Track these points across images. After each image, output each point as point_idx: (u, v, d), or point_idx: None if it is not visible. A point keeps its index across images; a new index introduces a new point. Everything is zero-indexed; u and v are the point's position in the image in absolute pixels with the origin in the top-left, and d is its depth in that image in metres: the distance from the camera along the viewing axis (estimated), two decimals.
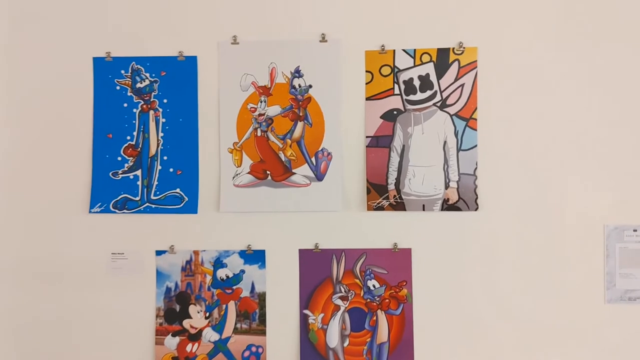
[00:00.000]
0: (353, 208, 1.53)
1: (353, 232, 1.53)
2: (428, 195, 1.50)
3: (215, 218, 1.55)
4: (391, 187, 1.51)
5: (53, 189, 1.56)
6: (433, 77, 1.50)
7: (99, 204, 1.54)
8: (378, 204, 1.51)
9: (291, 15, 1.52)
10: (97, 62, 1.55)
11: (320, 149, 1.53)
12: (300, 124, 1.53)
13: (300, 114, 1.53)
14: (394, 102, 1.51)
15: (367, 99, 1.52)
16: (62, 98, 1.56)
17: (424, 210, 1.50)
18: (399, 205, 1.50)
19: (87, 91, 1.55)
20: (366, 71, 1.52)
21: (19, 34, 1.56)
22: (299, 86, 1.53)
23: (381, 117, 1.51)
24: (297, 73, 1.53)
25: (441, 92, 1.50)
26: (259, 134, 1.54)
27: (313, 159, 1.53)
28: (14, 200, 1.57)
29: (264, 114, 1.53)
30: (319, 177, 1.53)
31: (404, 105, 1.51)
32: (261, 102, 1.53)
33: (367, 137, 1.52)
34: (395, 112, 1.51)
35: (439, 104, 1.50)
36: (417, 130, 1.51)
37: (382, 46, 1.50)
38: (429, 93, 1.50)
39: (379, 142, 1.51)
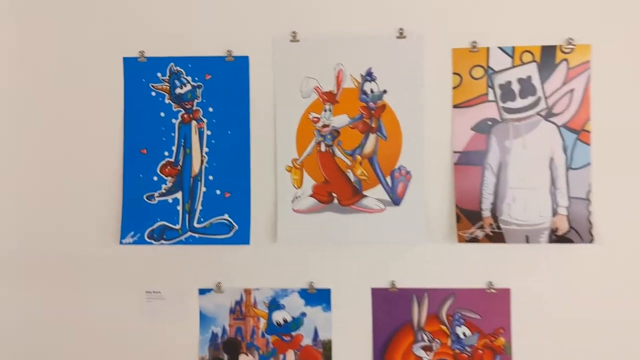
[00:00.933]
0: (438, 239, 1.26)
1: (438, 268, 1.27)
2: (532, 224, 1.23)
3: (270, 250, 1.29)
4: (486, 213, 1.24)
5: (75, 216, 1.31)
6: (536, 81, 1.24)
7: (131, 233, 1.29)
8: (471, 234, 1.24)
9: (362, 6, 1.26)
10: (129, 63, 1.30)
11: (397, 167, 1.26)
12: (372, 137, 1.27)
13: (373, 125, 1.27)
14: (488, 111, 1.25)
15: (455, 106, 1.26)
16: (85, 107, 1.31)
17: (527, 242, 1.23)
18: (497, 236, 1.24)
19: (116, 98, 1.30)
20: (454, 73, 1.25)
21: (29, 27, 1.31)
22: (372, 91, 1.27)
23: (472, 129, 1.25)
24: (369, 76, 1.27)
25: (546, 99, 1.24)
26: (323, 148, 1.28)
27: (388, 179, 1.27)
28: (29, 229, 1.32)
29: (328, 125, 1.27)
30: (396, 201, 1.26)
31: (501, 114, 1.24)
32: (325, 110, 1.27)
33: (455, 152, 1.25)
34: (489, 123, 1.25)
35: (543, 113, 1.24)
36: (517, 144, 1.24)
37: (474, 43, 1.24)
38: (531, 100, 1.24)
39: (469, 159, 1.25)
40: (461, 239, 1.24)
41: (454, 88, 1.26)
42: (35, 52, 1.31)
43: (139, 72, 1.30)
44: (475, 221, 1.25)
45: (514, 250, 1.24)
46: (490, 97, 1.25)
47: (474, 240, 1.24)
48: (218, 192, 1.29)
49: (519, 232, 1.23)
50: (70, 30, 1.30)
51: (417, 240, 1.26)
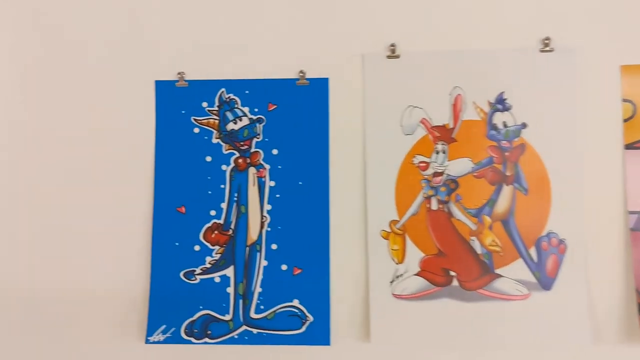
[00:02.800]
0: (611, 339, 0.86)
1: None
2: None
3: (361, 353, 0.89)
4: None
5: (85, 302, 0.93)
6: None
7: (162, 327, 0.90)
8: None
9: (485, 8, 0.91)
10: (163, 88, 0.95)
11: (544, 234, 0.88)
12: (507, 191, 0.89)
13: (508, 173, 0.89)
14: None
15: (628, 146, 0.88)
16: (102, 147, 0.95)
17: None
18: None
19: (144, 135, 0.94)
20: (624, 100, 0.88)
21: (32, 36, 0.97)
22: (505, 125, 0.89)
23: None
24: (501, 104, 0.89)
25: None
26: (434, 206, 0.90)
27: (532, 252, 0.88)
28: (27, 325, 0.94)
29: (442, 173, 0.90)
30: (545, 283, 0.87)
31: None
32: (438, 152, 0.90)
33: (630, 212, 0.87)
34: None
35: None
36: None
37: None
38: None
39: None
40: None
41: (625, 121, 0.88)
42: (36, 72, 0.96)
43: (176, 100, 0.94)
44: None
45: None
46: None
47: None
48: (284, 267, 0.91)
49: None
50: (87, 44, 0.96)
51: (578, 342, 0.85)
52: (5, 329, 0.93)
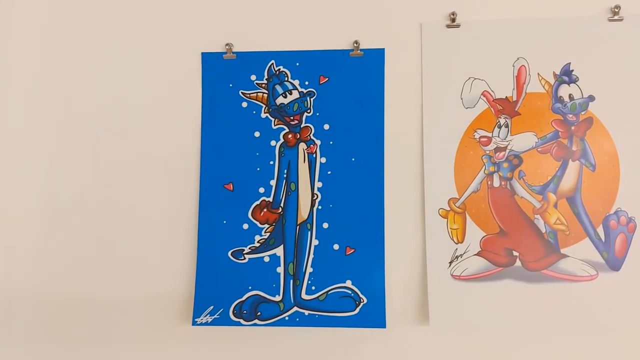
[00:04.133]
0: None
1: None
2: None
3: (419, 338, 0.86)
4: None
5: (132, 283, 0.89)
6: None
7: (210, 308, 0.86)
8: None
9: None
10: (210, 60, 0.91)
11: (613, 212, 0.83)
12: (573, 167, 0.84)
13: (574, 149, 0.84)
14: None
15: None
16: (145, 122, 0.91)
17: None
18: None
19: (191, 109, 0.90)
20: None
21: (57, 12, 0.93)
22: (571, 98, 0.85)
23: None
24: (567, 76, 0.85)
25: None
26: (496, 183, 0.85)
27: (600, 230, 0.83)
28: (67, 305, 0.90)
29: (505, 148, 0.85)
30: (614, 263, 0.83)
31: None
32: (500, 127, 0.86)
33: None
34: None
35: None
36: None
37: None
38: None
39: None
40: None
41: None
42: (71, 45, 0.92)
43: (224, 73, 0.90)
44: None
45: None
46: None
47: None
48: (336, 247, 0.87)
49: None
50: (132, 15, 0.92)
51: None
52: (54, 304, 0.90)
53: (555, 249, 0.84)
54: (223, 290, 0.87)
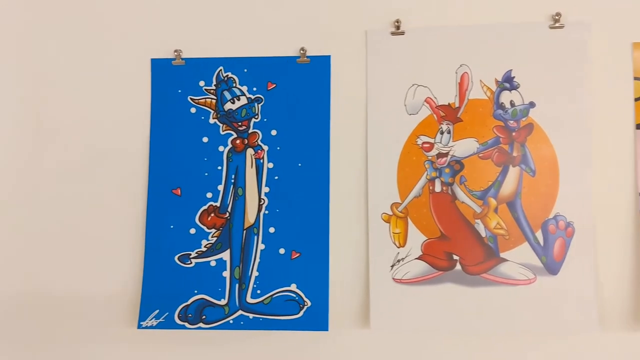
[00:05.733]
0: (619, 327, 0.83)
1: None
2: None
3: (359, 339, 0.87)
4: None
5: (78, 287, 0.90)
6: None
7: (155, 312, 0.87)
8: None
9: None
10: (159, 66, 0.92)
11: (551, 217, 0.85)
12: (513, 172, 0.86)
13: (514, 154, 0.86)
14: None
15: (639, 126, 0.84)
16: (95, 127, 0.92)
17: None
18: None
19: (139, 115, 0.91)
20: (635, 78, 0.85)
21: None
22: (512, 105, 0.86)
23: None
24: (509, 82, 0.86)
25: None
26: (438, 188, 0.87)
27: (539, 235, 0.85)
28: (20, 312, 0.91)
29: (447, 154, 0.87)
30: (552, 267, 0.84)
31: None
32: (442, 133, 0.87)
33: None
34: None
35: None
36: None
37: None
38: None
39: None
40: None
41: (637, 100, 0.85)
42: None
43: (173, 79, 0.92)
44: None
45: None
46: None
47: None
48: (282, 251, 0.88)
49: None
50: (81, 21, 0.93)
51: (585, 328, 0.83)
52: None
53: (494, 253, 0.85)
54: (169, 294, 0.88)
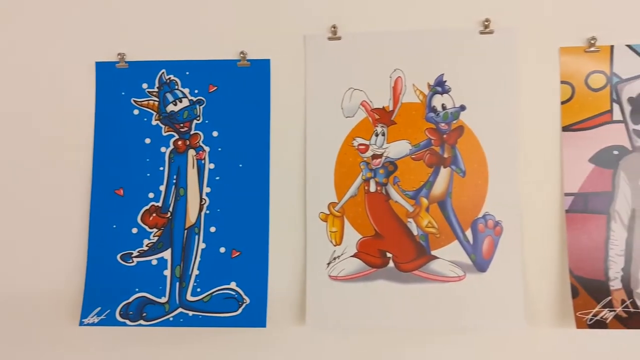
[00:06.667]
0: (545, 323, 0.86)
1: None
2: None
3: (297, 336, 0.89)
4: (615, 284, 0.85)
5: (21, 285, 0.92)
6: None
7: (97, 309, 0.89)
8: (594, 316, 0.84)
9: None
10: (103, 69, 0.94)
11: (480, 216, 0.88)
12: (444, 173, 0.89)
13: (445, 156, 0.89)
14: (614, 135, 0.87)
15: (565, 128, 0.88)
16: (40, 128, 0.93)
17: None
18: (633, 319, 0.83)
19: (84, 117, 0.93)
20: (562, 82, 0.88)
21: None
22: (443, 108, 0.89)
23: (591, 161, 0.86)
24: (440, 86, 0.89)
25: None
26: (372, 188, 0.89)
27: (469, 233, 0.88)
28: None
29: (381, 155, 0.89)
30: (481, 265, 0.87)
31: (632, 140, 0.86)
32: (377, 135, 0.90)
33: (566, 194, 0.87)
34: (616, 153, 0.86)
35: None
36: None
37: (592, 39, 0.87)
38: None
39: (588, 205, 0.86)
40: (581, 324, 0.84)
41: (563, 103, 0.88)
42: None
43: (117, 81, 0.93)
44: (601, 297, 0.84)
45: None
46: (616, 115, 0.87)
47: (600, 324, 0.83)
48: (223, 250, 0.90)
49: None
50: (25, 24, 0.94)
51: (512, 324, 0.86)
52: None
53: (426, 250, 0.88)
54: (111, 292, 0.90)
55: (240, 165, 0.91)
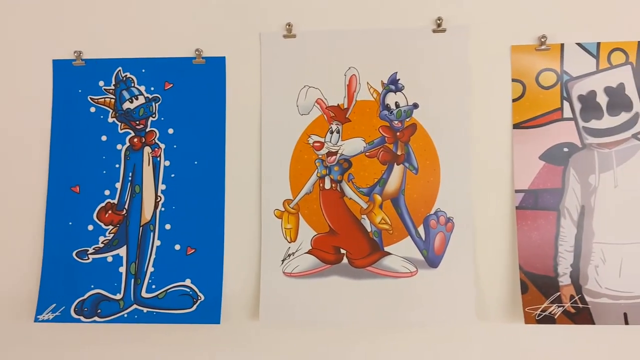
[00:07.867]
0: (495, 317, 0.87)
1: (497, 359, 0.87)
2: (632, 297, 0.84)
3: (249, 332, 0.90)
4: (564, 280, 0.86)
5: None
6: (631, 90, 0.87)
7: (52, 306, 0.90)
8: (543, 311, 0.85)
9: None
10: (60, 66, 0.94)
11: (432, 213, 0.88)
12: (397, 170, 0.89)
13: (399, 153, 0.89)
14: (564, 133, 0.87)
15: (516, 126, 0.88)
16: None
17: (625, 323, 0.84)
18: (581, 314, 0.85)
19: (40, 114, 0.93)
20: (513, 80, 0.89)
21: None
22: (397, 106, 0.90)
23: (542, 158, 0.87)
24: (394, 84, 0.90)
25: None
26: (327, 185, 0.90)
27: (421, 230, 0.88)
28: None
29: (336, 153, 0.90)
30: (432, 260, 0.88)
31: (582, 137, 0.87)
32: (332, 132, 0.90)
33: (517, 191, 0.88)
34: (566, 150, 0.87)
35: None
36: (607, 180, 0.86)
37: (543, 38, 0.88)
38: (625, 117, 0.87)
39: (538, 201, 0.87)
40: (529, 319, 0.85)
41: (515, 101, 0.89)
42: None
43: (73, 79, 0.93)
44: (550, 292, 0.85)
45: (606, 334, 0.85)
46: (567, 113, 0.88)
47: (548, 320, 0.84)
48: (177, 247, 0.91)
49: (614, 308, 0.84)
50: None
51: (462, 319, 0.86)
52: None
53: (379, 247, 0.89)
54: (66, 288, 0.90)
55: (196, 163, 0.92)
